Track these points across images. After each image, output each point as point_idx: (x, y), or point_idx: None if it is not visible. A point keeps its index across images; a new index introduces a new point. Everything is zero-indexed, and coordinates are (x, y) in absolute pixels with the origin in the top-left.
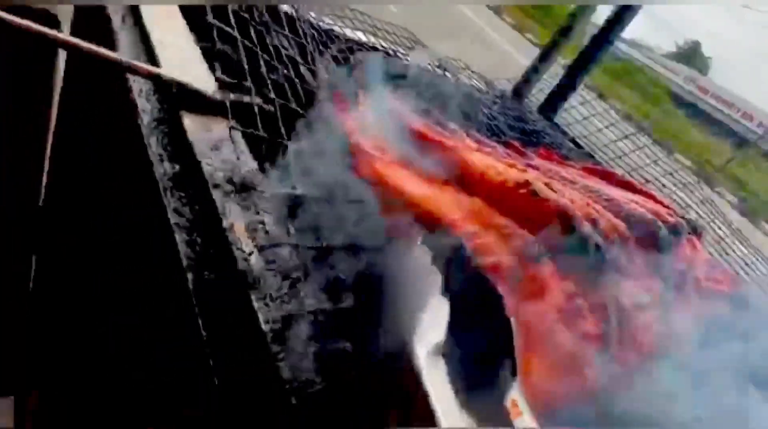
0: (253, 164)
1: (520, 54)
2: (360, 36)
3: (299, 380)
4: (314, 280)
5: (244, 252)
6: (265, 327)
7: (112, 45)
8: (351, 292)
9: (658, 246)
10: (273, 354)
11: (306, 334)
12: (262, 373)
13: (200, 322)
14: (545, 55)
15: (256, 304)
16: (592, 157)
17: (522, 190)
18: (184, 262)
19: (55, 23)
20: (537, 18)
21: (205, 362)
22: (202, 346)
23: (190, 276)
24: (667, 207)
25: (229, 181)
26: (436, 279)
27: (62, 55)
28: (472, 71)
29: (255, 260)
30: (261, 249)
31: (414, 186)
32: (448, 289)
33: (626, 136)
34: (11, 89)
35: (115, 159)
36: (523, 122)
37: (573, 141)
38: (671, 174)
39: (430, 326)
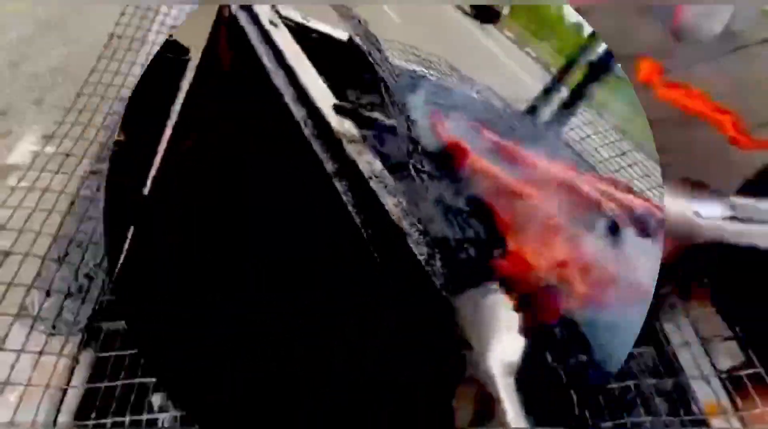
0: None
1: (522, 69)
2: (404, 64)
3: (445, 284)
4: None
5: (395, 217)
6: (420, 257)
7: (269, 85)
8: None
9: (647, 230)
10: (426, 272)
11: (443, 263)
12: (421, 281)
13: (376, 257)
14: (556, 80)
15: (411, 245)
16: (595, 169)
17: (568, 184)
18: (359, 223)
19: (184, 52)
20: (536, 33)
21: (383, 280)
22: (377, 269)
23: (364, 232)
24: (657, 207)
25: (376, 176)
26: (514, 319)
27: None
28: (493, 92)
29: (403, 223)
30: (405, 215)
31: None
32: (525, 333)
33: (623, 153)
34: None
35: (269, 154)
36: (542, 138)
37: (578, 155)
38: (660, 186)
39: (506, 347)
